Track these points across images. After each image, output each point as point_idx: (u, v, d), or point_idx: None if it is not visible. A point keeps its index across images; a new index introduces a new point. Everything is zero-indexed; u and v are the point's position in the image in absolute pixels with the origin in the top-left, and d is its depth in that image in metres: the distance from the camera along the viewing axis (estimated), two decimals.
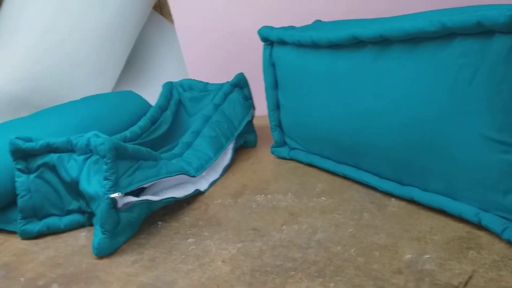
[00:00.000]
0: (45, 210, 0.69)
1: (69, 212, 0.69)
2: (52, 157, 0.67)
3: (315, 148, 0.78)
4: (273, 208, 0.66)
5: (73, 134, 0.76)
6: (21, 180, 0.68)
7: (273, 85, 0.82)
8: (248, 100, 0.95)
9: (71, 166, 0.67)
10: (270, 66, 0.81)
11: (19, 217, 0.68)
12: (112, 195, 0.59)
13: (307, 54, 0.72)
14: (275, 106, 0.83)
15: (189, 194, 0.72)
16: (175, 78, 1.10)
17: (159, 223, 0.67)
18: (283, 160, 0.85)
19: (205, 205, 0.71)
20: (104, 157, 0.60)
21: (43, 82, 1.20)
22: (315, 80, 0.72)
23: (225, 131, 0.88)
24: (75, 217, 0.70)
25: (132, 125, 0.89)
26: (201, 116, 0.90)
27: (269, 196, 0.70)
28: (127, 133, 0.81)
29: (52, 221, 0.69)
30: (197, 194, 0.75)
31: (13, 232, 0.70)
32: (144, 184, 0.64)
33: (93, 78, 1.27)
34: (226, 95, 0.93)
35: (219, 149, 0.84)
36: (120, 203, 0.61)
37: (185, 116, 0.98)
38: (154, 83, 1.48)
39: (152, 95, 1.16)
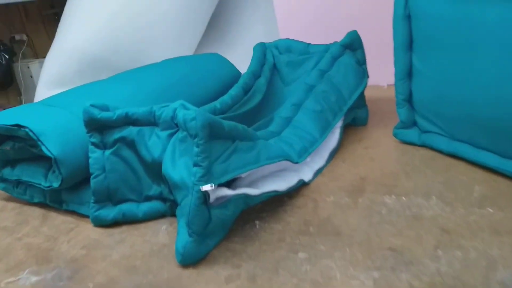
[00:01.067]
0: (121, 194, 0.57)
1: (148, 198, 0.57)
2: (131, 131, 0.55)
3: (463, 132, 0.58)
4: (414, 218, 0.48)
5: (155, 102, 0.64)
6: (95, 156, 0.56)
7: (407, 45, 0.61)
8: (361, 66, 0.76)
9: (153, 143, 0.54)
10: (404, 19, 0.60)
11: (92, 200, 0.57)
12: (204, 188, 0.45)
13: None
14: (405, 74, 0.63)
15: (293, 187, 0.56)
16: (263, 39, 0.93)
17: (257, 222, 0.52)
18: (410, 146, 0.66)
19: (313, 202, 0.55)
20: (195, 136, 0.46)
21: (124, 43, 1.10)
22: (479, 37, 0.50)
23: (333, 104, 0.70)
24: (155, 205, 0.57)
25: (221, 94, 0.75)
26: (302, 85, 0.73)
27: (403, 198, 0.52)
28: (217, 103, 0.67)
29: (128, 207, 0.57)
30: (301, 185, 0.59)
31: (85, 216, 0.60)
32: (241, 173, 0.50)
33: (175, 42, 1.14)
34: (335, 59, 0.75)
35: (325, 128, 0.67)
36: (212, 197, 0.47)
37: (280, 85, 0.81)
38: (236, 46, 1.32)
39: (235, 60, 1.00)
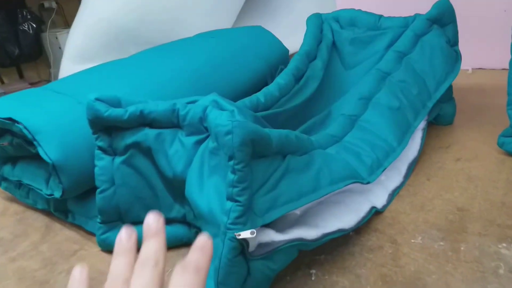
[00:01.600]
0: (135, 213, 0.44)
1: (169, 221, 0.44)
2: (148, 135, 0.41)
3: None
4: None
5: (183, 90, 0.50)
6: (103, 165, 0.43)
7: None
8: (453, 47, 0.58)
9: (176, 152, 0.40)
10: None
11: (99, 220, 0.45)
12: (242, 235, 0.30)
13: None
14: None
15: (362, 220, 0.41)
16: (317, 9, 0.75)
17: (312, 271, 0.38)
18: None
19: (391, 244, 0.39)
20: (231, 158, 0.31)
21: (153, 11, 0.95)
22: None
23: (414, 99, 0.53)
24: (177, 230, 0.44)
25: (264, 78, 0.60)
26: (373, 72, 0.55)
27: None
28: (261, 96, 0.51)
29: (139, 230, 0.44)
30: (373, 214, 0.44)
31: (92, 233, 0.48)
32: (295, 209, 0.35)
33: (211, 11, 0.98)
34: (418, 37, 0.57)
35: (405, 132, 0.50)
36: (252, 245, 0.32)
37: (340, 69, 0.64)
38: (282, 17, 1.14)
39: (281, 34, 0.83)
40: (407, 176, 0.49)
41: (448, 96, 0.59)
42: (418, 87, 0.53)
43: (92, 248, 0.46)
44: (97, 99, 0.41)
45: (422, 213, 0.43)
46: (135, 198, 0.43)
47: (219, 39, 0.68)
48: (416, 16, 0.59)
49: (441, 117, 0.59)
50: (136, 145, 0.42)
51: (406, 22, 0.59)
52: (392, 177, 0.48)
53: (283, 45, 0.77)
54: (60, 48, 1.88)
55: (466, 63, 0.80)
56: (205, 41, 0.68)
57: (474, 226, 0.40)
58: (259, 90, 0.75)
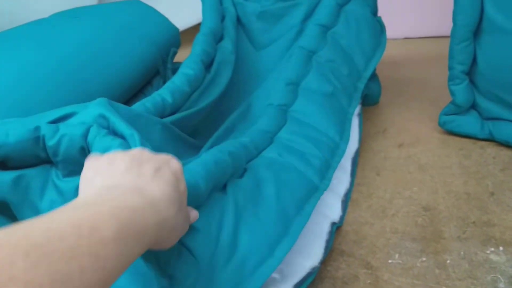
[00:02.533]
0: None
1: None
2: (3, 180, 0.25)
3: None
4: None
5: (43, 96, 0.36)
6: None
7: None
8: (375, 16, 0.51)
9: (52, 205, 0.25)
10: None
11: None
12: None
13: None
14: (471, 32, 0.40)
15: (329, 246, 0.32)
16: None
17: None
18: (468, 141, 0.44)
19: (367, 271, 0.31)
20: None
21: None
22: None
23: (346, 81, 0.45)
24: None
25: (158, 66, 0.46)
26: (297, 51, 0.46)
27: None
28: (167, 94, 0.38)
29: None
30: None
31: None
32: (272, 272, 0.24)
33: None
34: (340, 7, 0.49)
35: (343, 122, 0.42)
36: None
37: (251, 50, 0.54)
38: None
39: (163, 11, 0.68)
40: (353, 173, 0.42)
41: (372, 72, 0.53)
42: (347, 67, 0.46)
43: None
44: None
45: (387, 220, 0.36)
46: None
47: (87, 20, 0.51)
48: None
49: (367, 97, 0.53)
50: None
51: None
52: (339, 178, 0.40)
53: (171, 23, 0.63)
54: None
55: (396, 30, 0.76)
56: (68, 23, 0.51)
57: (449, 228, 0.34)
58: (149, 81, 0.61)
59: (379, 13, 0.52)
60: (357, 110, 0.47)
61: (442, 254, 0.32)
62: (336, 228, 0.35)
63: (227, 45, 0.49)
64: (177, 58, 0.60)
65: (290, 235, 0.25)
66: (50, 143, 0.24)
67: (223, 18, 0.53)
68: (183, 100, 0.39)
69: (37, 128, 0.25)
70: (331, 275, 0.31)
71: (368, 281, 0.30)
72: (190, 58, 0.43)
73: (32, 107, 0.40)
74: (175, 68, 0.57)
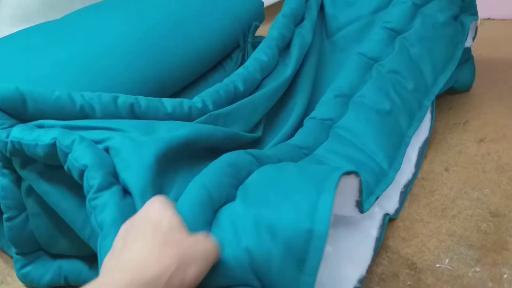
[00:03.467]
0: (61, 246, 0.34)
1: None
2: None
3: None
4: None
5: (129, 61, 0.41)
6: (5, 184, 0.31)
7: None
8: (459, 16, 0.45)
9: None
10: None
11: (14, 251, 0.33)
12: None
13: None
14: None
15: (379, 244, 0.31)
16: None
17: None
18: None
19: (409, 272, 0.30)
20: None
21: None
22: None
23: (409, 97, 0.39)
24: None
25: (238, 40, 0.47)
26: (356, 58, 0.42)
27: None
28: (239, 82, 0.39)
29: (73, 267, 0.34)
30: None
31: None
32: None
33: None
34: (417, 8, 0.43)
35: (397, 148, 0.37)
36: None
37: (323, 37, 0.51)
38: None
39: None
40: (418, 165, 0.39)
41: (466, 56, 0.47)
42: (414, 80, 0.40)
43: (17, 282, 0.35)
44: None
45: (445, 221, 0.33)
46: (54, 227, 0.32)
47: None
48: None
49: (457, 83, 0.48)
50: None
51: None
52: (402, 167, 0.37)
53: None
54: None
55: (494, 10, 0.67)
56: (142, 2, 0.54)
57: None
58: (229, 55, 0.62)
59: None
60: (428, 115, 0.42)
61: (500, 267, 0.28)
62: (388, 221, 0.33)
63: (306, 30, 0.46)
64: (258, 32, 0.60)
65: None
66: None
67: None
68: (253, 88, 0.40)
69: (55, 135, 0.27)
70: (369, 269, 0.30)
71: (408, 283, 0.29)
72: (265, 42, 0.43)
73: (117, 75, 0.44)
74: (256, 42, 0.57)
